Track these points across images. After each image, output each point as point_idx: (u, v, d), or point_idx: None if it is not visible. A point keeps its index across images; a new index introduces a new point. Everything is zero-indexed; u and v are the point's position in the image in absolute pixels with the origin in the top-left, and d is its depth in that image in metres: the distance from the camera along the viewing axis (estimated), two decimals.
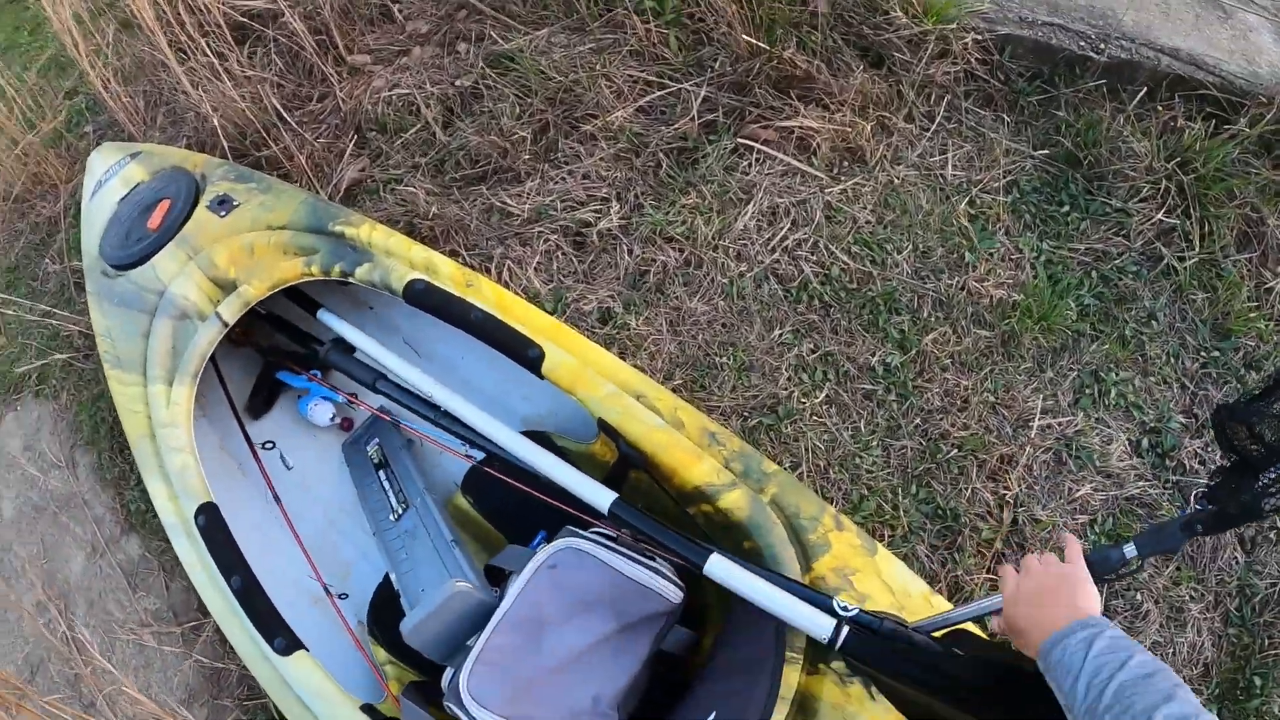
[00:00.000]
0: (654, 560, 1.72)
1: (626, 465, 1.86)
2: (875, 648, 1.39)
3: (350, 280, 2.26)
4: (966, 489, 2.25)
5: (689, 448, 1.80)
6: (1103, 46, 2.76)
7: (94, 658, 2.64)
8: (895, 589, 1.59)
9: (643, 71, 2.83)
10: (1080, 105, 2.72)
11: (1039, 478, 2.29)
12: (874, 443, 2.31)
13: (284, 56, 3.38)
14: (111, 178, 2.94)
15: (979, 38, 2.77)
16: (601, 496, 1.76)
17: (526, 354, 2.03)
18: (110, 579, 3.12)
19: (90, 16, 3.93)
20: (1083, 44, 2.79)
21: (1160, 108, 2.70)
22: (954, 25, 2.73)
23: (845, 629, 1.42)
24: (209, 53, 3.13)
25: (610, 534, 1.78)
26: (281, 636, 1.88)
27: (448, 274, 2.20)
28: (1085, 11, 2.84)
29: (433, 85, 3.07)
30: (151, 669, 2.79)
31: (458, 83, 3.03)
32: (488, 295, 2.15)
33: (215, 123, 3.03)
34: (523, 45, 2.97)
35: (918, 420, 2.33)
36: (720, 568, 1.56)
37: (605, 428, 1.90)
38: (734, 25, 2.77)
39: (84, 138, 4.54)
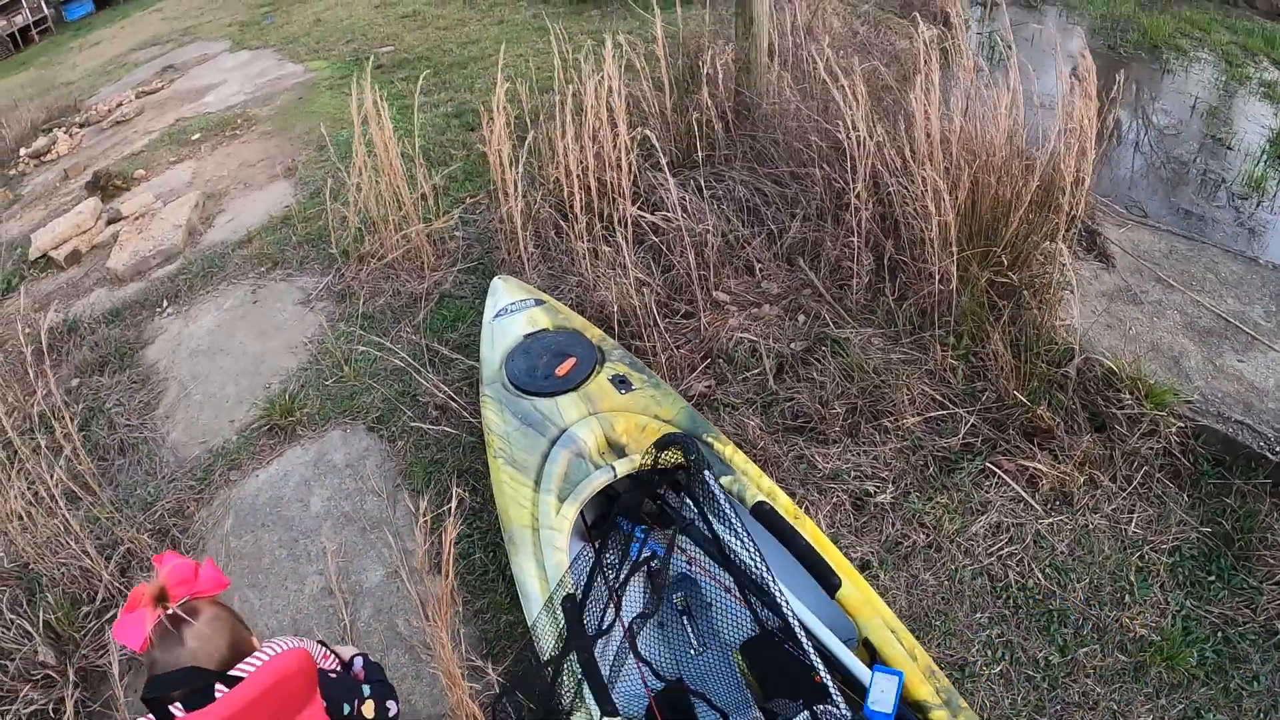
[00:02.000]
0: None
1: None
2: None
3: (717, 484, 3.21)
4: None
5: (919, 675, 2.73)
6: (1278, 449, 3.55)
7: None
8: None
9: (933, 390, 4.03)
10: (1248, 495, 3.54)
11: None
12: (1024, 713, 3.12)
13: (663, 269, 4.51)
14: (518, 311, 4.09)
15: (1181, 424, 3.71)
16: (866, 676, 2.70)
17: (829, 579, 2.95)
18: (404, 600, 3.76)
19: (513, 163, 5.05)
20: (1262, 444, 3.60)
21: None
22: (1165, 412, 3.71)
23: None
24: (615, 245, 4.25)
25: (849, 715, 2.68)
26: (609, 704, 2.64)
27: (784, 504, 3.20)
28: (1272, 416, 3.69)
29: (774, 341, 4.23)
30: (419, 681, 3.49)
31: (793, 345, 4.23)
32: (809, 529, 3.12)
33: (614, 308, 4.13)
34: (850, 336, 4.06)
35: (1058, 707, 3.13)
36: None
37: (868, 644, 2.85)
38: (1008, 375, 3.92)
39: (454, 240, 5.81)
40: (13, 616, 3.73)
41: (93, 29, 20.33)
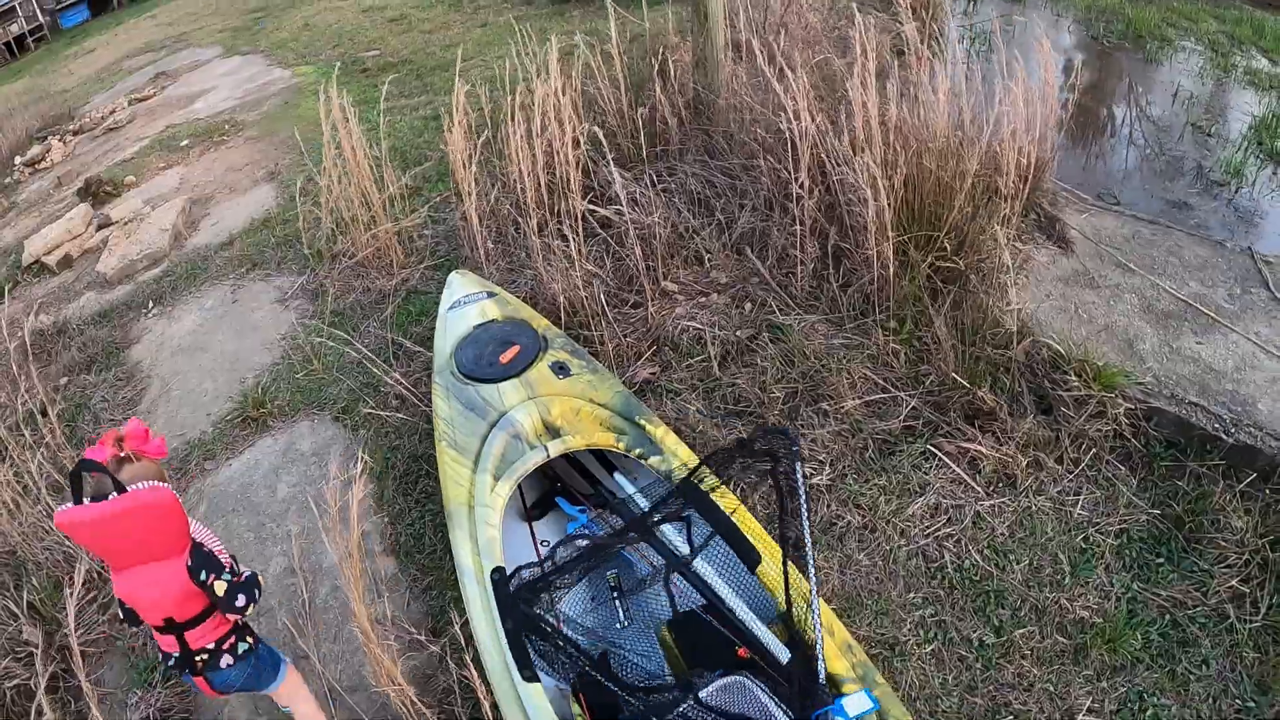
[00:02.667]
0: (783, 705, 2.71)
1: (792, 646, 2.85)
2: None
3: (644, 463, 3.41)
4: None
5: (835, 650, 2.80)
6: (1233, 430, 3.55)
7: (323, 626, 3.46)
8: None
9: (874, 374, 4.12)
10: (1202, 477, 3.56)
11: None
12: (955, 692, 3.19)
13: (614, 260, 4.62)
14: (470, 303, 4.24)
15: (1131, 406, 3.72)
16: (783, 654, 2.81)
17: (750, 555, 3.07)
18: (360, 579, 3.89)
19: (479, 165, 5.26)
20: (1217, 425, 3.59)
21: (1269, 491, 3.44)
22: (1115, 393, 3.72)
23: None
24: (567, 239, 4.44)
25: (770, 686, 2.77)
26: (529, 670, 2.80)
27: (710, 483, 3.24)
28: (1229, 397, 3.67)
29: (719, 329, 4.35)
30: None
31: (738, 333, 4.33)
32: (732, 505, 3.18)
33: (561, 300, 4.27)
34: (793, 324, 4.18)
35: (991, 687, 3.13)
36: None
37: (785, 619, 2.91)
38: (949, 359, 3.98)
39: (423, 238, 5.98)
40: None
41: (88, 36, 20.62)
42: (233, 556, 2.83)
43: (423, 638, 3.59)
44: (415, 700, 2.94)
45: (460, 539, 3.27)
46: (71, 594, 3.15)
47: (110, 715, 2.99)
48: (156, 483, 2.56)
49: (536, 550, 3.66)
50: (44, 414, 4.38)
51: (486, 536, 3.24)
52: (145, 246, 7.10)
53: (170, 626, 2.68)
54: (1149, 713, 2.99)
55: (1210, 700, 3.01)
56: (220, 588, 2.62)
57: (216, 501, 4.49)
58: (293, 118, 9.33)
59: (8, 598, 3.97)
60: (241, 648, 2.84)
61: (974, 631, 3.30)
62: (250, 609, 2.70)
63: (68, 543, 4.10)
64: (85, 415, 5.30)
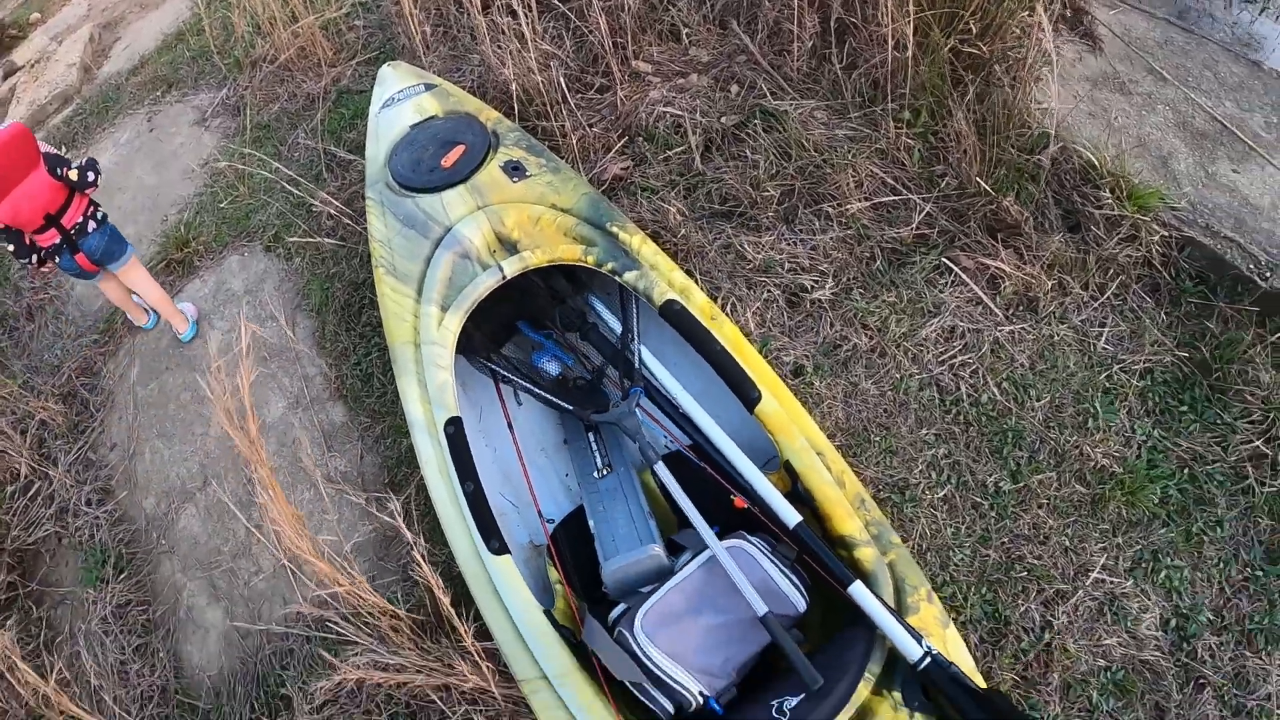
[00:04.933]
0: (795, 575, 2.43)
1: (796, 500, 2.52)
2: (944, 682, 2.10)
3: (618, 279, 2.91)
4: (1023, 605, 2.79)
5: (846, 506, 2.46)
6: (1268, 274, 3.20)
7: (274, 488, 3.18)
8: (954, 659, 2.24)
9: (884, 172, 3.52)
10: (1230, 320, 3.18)
11: (1080, 617, 2.76)
12: (967, 544, 2.93)
13: (575, 39, 3.86)
14: (404, 99, 3.59)
15: (1165, 233, 3.29)
16: (789, 514, 2.43)
17: (748, 393, 2.62)
18: (307, 433, 3.68)
19: None
20: (1251, 266, 3.22)
21: None
22: (1149, 217, 3.27)
23: (929, 659, 2.13)
24: (517, 15, 3.74)
25: (770, 543, 2.49)
26: (496, 540, 2.51)
27: (699, 304, 2.83)
28: (1265, 237, 3.28)
29: (701, 115, 3.74)
30: (323, 518, 3.43)
31: (723, 120, 3.70)
32: (727, 333, 2.77)
33: (513, 87, 3.60)
34: (789, 110, 3.54)
35: (1005, 539, 2.92)
36: (858, 589, 2.26)
37: (790, 469, 2.55)
38: (971, 159, 3.39)
39: (353, 30, 5.31)
40: None
41: None
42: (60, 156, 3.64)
43: (381, 494, 3.31)
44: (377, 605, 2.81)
45: (407, 385, 2.84)
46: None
47: (74, 615, 2.94)
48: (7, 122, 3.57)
49: (498, 391, 3.17)
50: None
51: (437, 381, 2.79)
52: (53, 87, 6.58)
53: (49, 221, 3.58)
54: (1162, 574, 2.82)
55: (1222, 563, 2.83)
56: (74, 174, 3.58)
57: (149, 361, 4.22)
58: None
59: None
60: (100, 214, 3.80)
61: (990, 475, 2.99)
62: (99, 181, 3.70)
63: (3, 438, 3.95)
64: (5, 290, 5.04)
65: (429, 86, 3.62)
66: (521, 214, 3.05)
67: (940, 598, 2.65)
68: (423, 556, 2.53)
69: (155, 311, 4.20)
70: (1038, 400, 3.10)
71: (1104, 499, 2.92)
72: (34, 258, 3.66)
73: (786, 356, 3.21)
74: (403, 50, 4.72)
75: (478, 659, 2.60)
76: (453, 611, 2.54)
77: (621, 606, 2.49)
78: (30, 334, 4.67)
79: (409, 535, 2.53)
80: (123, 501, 3.83)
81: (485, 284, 2.91)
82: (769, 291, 3.34)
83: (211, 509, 3.64)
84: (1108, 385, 3.14)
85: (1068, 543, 2.87)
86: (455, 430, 2.68)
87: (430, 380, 2.78)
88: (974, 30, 3.44)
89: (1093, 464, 2.98)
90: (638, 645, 2.32)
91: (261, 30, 5.27)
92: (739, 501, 2.52)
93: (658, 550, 2.58)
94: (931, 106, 3.55)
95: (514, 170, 3.17)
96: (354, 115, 4.71)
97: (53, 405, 4.10)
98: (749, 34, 3.89)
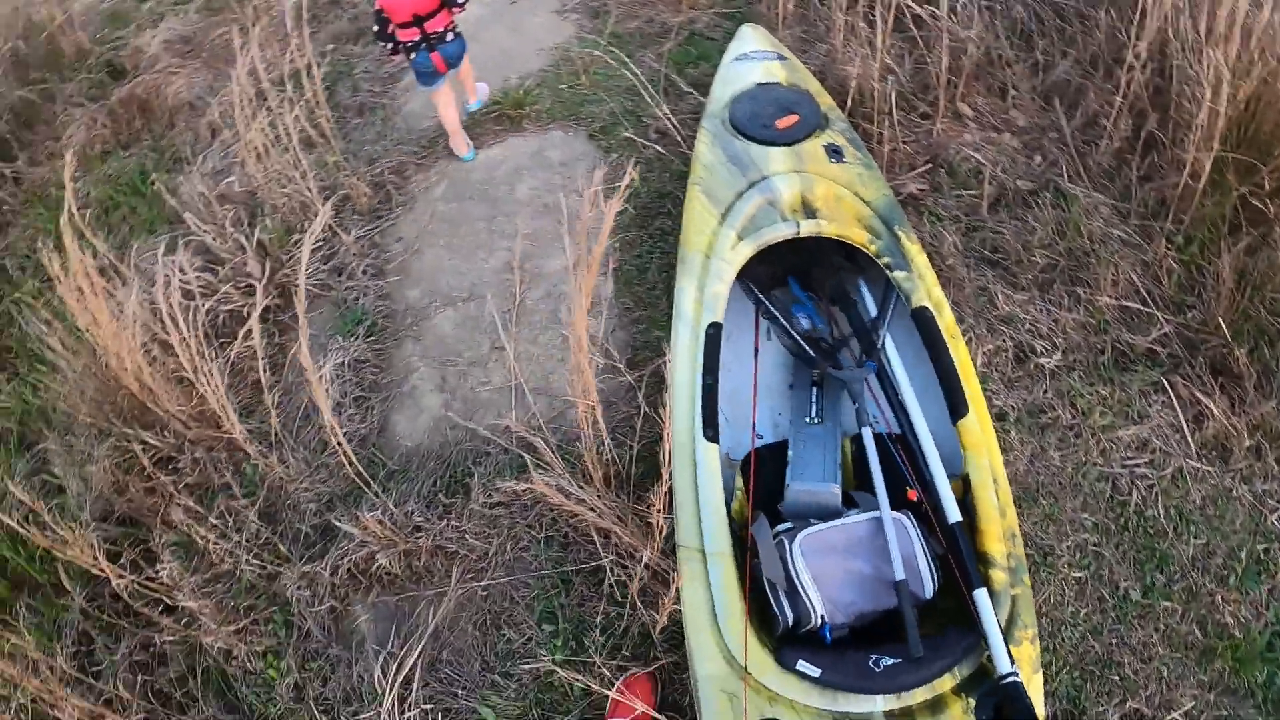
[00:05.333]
0: (934, 566, 2.74)
1: (961, 508, 2.81)
2: (1017, 707, 2.39)
3: (889, 273, 3.31)
4: (1103, 706, 2.96)
5: (999, 531, 2.75)
6: None
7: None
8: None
9: (1141, 282, 3.75)
10: None
11: None
12: (1081, 628, 3.11)
13: (915, 63, 4.29)
14: (757, 60, 4.09)
15: None
16: (954, 511, 2.78)
17: (958, 406, 2.99)
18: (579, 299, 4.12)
19: None
20: None
21: None
22: None
23: (1014, 678, 2.43)
24: (874, 24, 4.14)
25: (926, 533, 2.79)
26: (712, 429, 2.95)
27: (946, 320, 3.21)
28: None
29: (1002, 170, 4.11)
30: (562, 364, 3.81)
31: (1019, 182, 4.07)
32: (959, 353, 3.13)
33: (851, 84, 4.01)
34: (1079, 195, 3.96)
35: (1114, 640, 3.08)
36: (981, 596, 2.59)
37: (966, 482, 2.89)
38: (1222, 300, 3.56)
39: None
40: (233, 230, 4.37)
41: None
42: None
43: (621, 365, 3.72)
44: (599, 418, 3.19)
45: (687, 285, 3.30)
46: (308, 236, 3.40)
47: (308, 354, 3.24)
48: None
49: (756, 327, 3.61)
50: (308, 74, 4.58)
51: (713, 291, 3.26)
52: None
53: (415, 21, 4.08)
54: None
55: None
56: None
57: (457, 186, 4.69)
58: None
59: (240, 232, 4.35)
60: (458, 28, 4.30)
61: (1124, 580, 3.20)
62: (466, 5, 4.20)
63: (307, 193, 4.43)
64: (345, 83, 5.55)
65: (781, 57, 4.10)
66: (829, 189, 3.49)
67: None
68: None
69: (468, 138, 4.68)
70: (1194, 538, 3.24)
71: (1213, 653, 3.04)
72: (390, 45, 4.21)
73: (997, 400, 3.50)
74: (761, 18, 5.05)
75: (649, 521, 2.93)
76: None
77: (788, 524, 2.84)
78: (356, 127, 5.20)
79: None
80: (392, 284, 4.32)
81: (782, 231, 3.38)
82: (1004, 340, 3.65)
83: (466, 320, 4.11)
84: (1262, 557, 3.23)
85: (1165, 673, 3.01)
86: (715, 333, 3.14)
87: (708, 287, 3.25)
88: (1266, 186, 3.67)
89: (1218, 617, 3.10)
90: (790, 556, 2.67)
91: None
92: (912, 493, 2.87)
93: (836, 490, 2.98)
94: (1205, 240, 3.75)
95: (834, 152, 3.61)
96: (699, 56, 5.09)
97: (361, 185, 4.60)
98: (1067, 116, 4.19)
